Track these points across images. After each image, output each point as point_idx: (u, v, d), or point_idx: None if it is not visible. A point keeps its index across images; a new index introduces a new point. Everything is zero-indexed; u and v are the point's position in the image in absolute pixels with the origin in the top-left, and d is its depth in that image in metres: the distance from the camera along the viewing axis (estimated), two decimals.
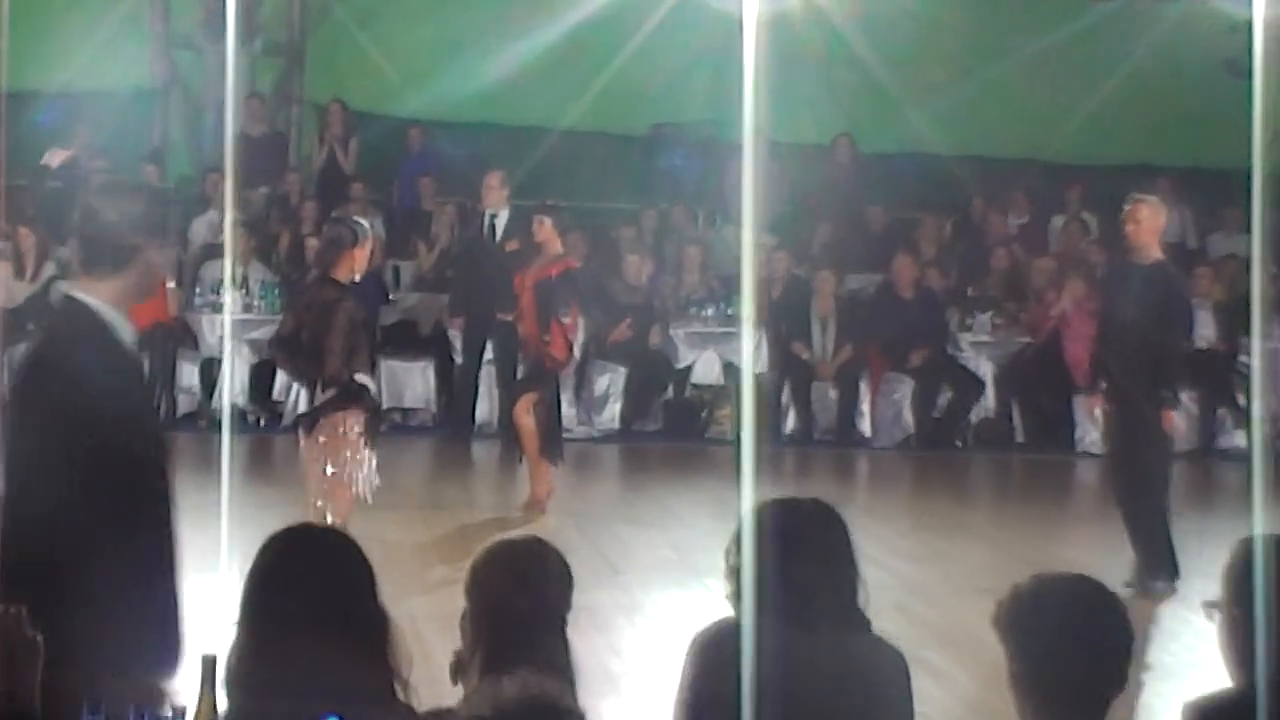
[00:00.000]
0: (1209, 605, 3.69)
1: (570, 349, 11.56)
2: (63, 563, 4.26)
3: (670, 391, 15.19)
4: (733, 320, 14.88)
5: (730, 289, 15.22)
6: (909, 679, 3.94)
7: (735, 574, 3.85)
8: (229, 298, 14.21)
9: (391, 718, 3.51)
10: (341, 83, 16.76)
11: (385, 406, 13.23)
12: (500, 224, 13.71)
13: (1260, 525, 5.26)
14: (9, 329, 14.39)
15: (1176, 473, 10.15)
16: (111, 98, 16.29)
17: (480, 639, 3.84)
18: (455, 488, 12.80)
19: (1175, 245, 14.72)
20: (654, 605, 9.01)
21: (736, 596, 3.86)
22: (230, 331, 14.20)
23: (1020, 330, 15.35)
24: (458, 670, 3.90)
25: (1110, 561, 9.27)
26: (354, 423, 8.13)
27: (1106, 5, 16.85)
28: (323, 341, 8.07)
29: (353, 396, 8.13)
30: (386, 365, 14.35)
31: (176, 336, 14.53)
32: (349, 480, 8.15)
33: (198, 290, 14.84)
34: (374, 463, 8.22)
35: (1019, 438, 15.07)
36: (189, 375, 14.53)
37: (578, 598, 3.97)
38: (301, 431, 8.34)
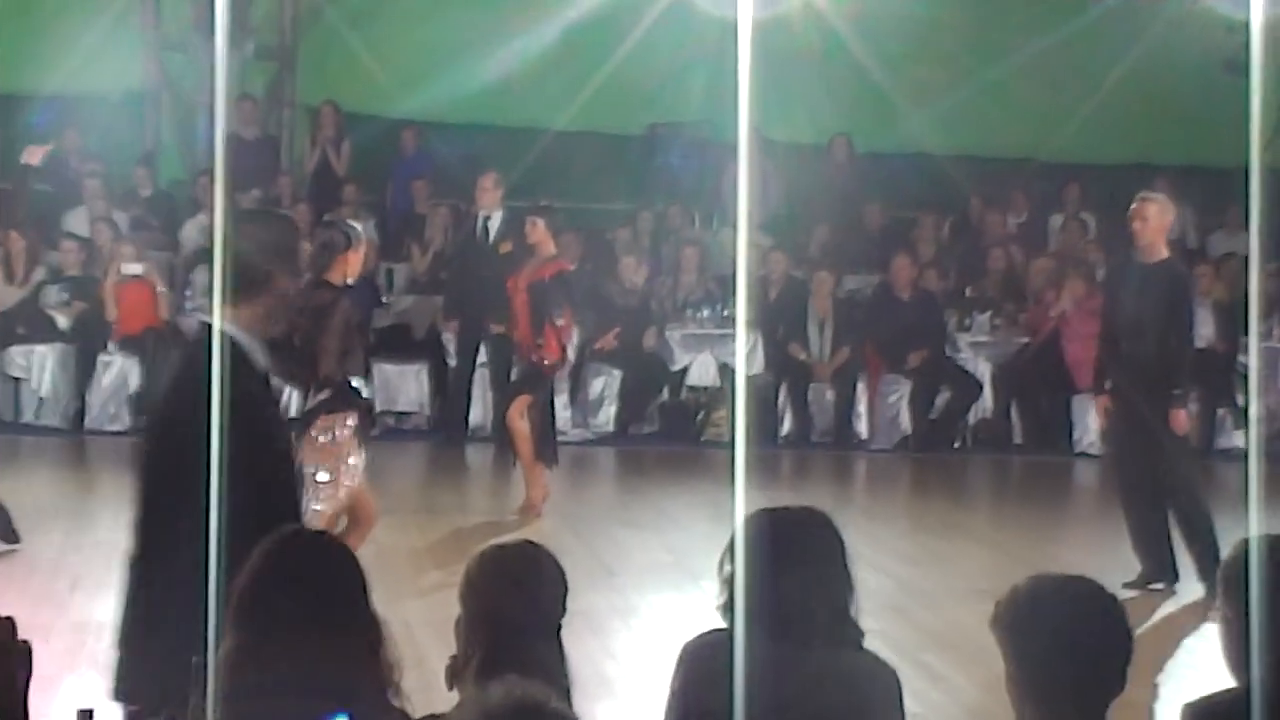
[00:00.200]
0: (1209, 606, 3.65)
1: (564, 351, 11.50)
2: (197, 580, 4.34)
3: (666, 394, 15.15)
4: (729, 322, 14.84)
5: (726, 290, 15.18)
6: (901, 696, 3.88)
7: (728, 584, 3.80)
8: (219, 302, 14.13)
9: None
10: (334, 85, 16.72)
11: (379, 410, 13.18)
12: (494, 226, 13.66)
13: (1257, 526, 5.21)
14: None
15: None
16: (103, 100, 16.26)
17: (474, 645, 3.82)
18: (449, 492, 12.75)
19: (1175, 244, 14.67)
20: (649, 608, 8.96)
21: (727, 607, 3.82)
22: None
23: (1019, 331, 15.32)
24: (453, 676, 3.88)
25: (1109, 563, 9.22)
26: (347, 425, 8.09)
27: (1105, 4, 16.81)
28: (317, 343, 8.03)
29: (347, 398, 8.09)
30: (380, 369, 14.30)
31: (168, 341, 14.46)
32: (342, 482, 8.11)
33: (189, 294, 14.79)
34: (360, 466, 8.18)
35: (1017, 439, 15.04)
36: None
37: (573, 601, 3.93)
38: (294, 434, 8.28)
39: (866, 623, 3.88)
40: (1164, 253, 9.57)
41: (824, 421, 15.01)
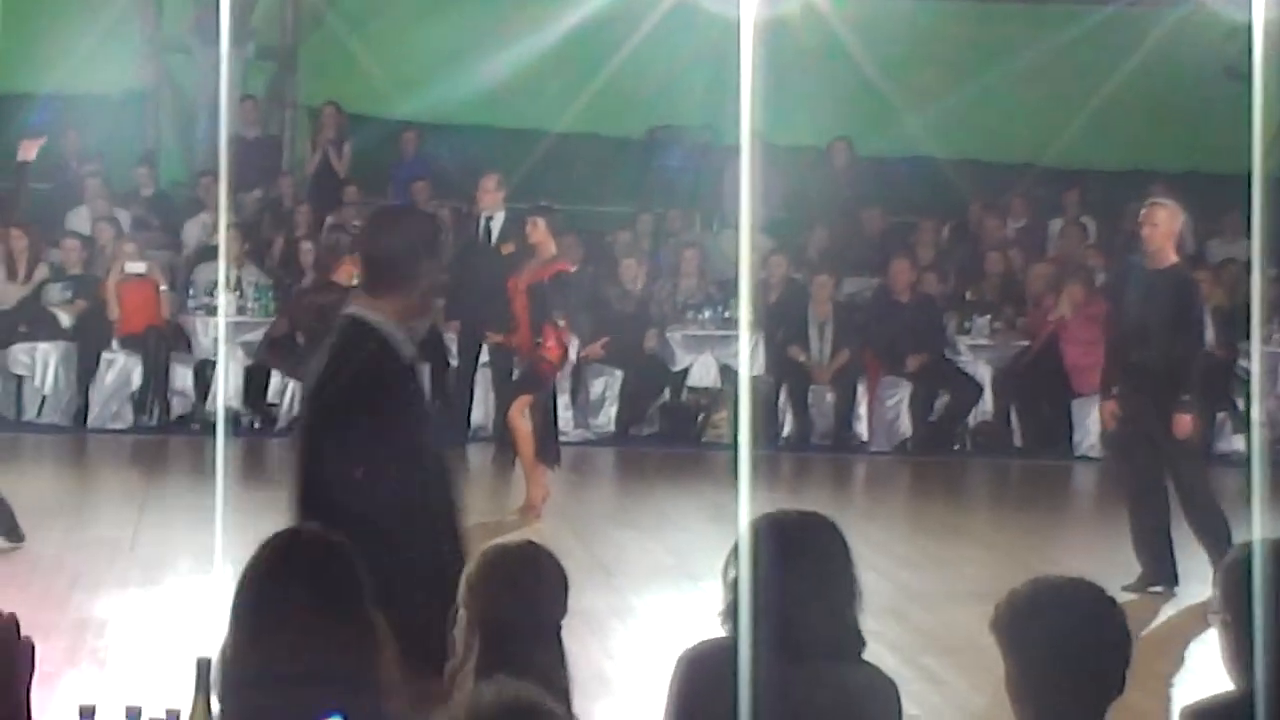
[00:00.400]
0: (1211, 609, 3.67)
1: (565, 352, 11.50)
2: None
3: (667, 395, 15.16)
4: (729, 323, 14.84)
5: (727, 292, 15.18)
6: (900, 711, 3.87)
7: (732, 589, 3.78)
8: (223, 300, 14.17)
9: None
10: (335, 86, 16.73)
11: None
12: (496, 227, 13.65)
13: (1259, 530, 5.22)
14: (2, 331, 14.37)
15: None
16: (104, 101, 16.27)
17: (473, 646, 3.81)
18: None
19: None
20: (649, 610, 8.97)
21: (729, 615, 3.79)
22: (224, 334, 14.16)
23: (1018, 334, 15.32)
24: (452, 677, 3.87)
25: (1108, 566, 9.22)
26: None
27: (1105, 9, 16.83)
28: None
29: None
30: None
31: (169, 339, 14.49)
32: None
33: (191, 293, 14.80)
34: None
35: (1017, 442, 15.03)
36: (183, 378, 14.49)
37: (573, 602, 3.93)
38: None
39: (866, 625, 3.87)
40: (1173, 258, 9.58)
41: (824, 424, 15.01)
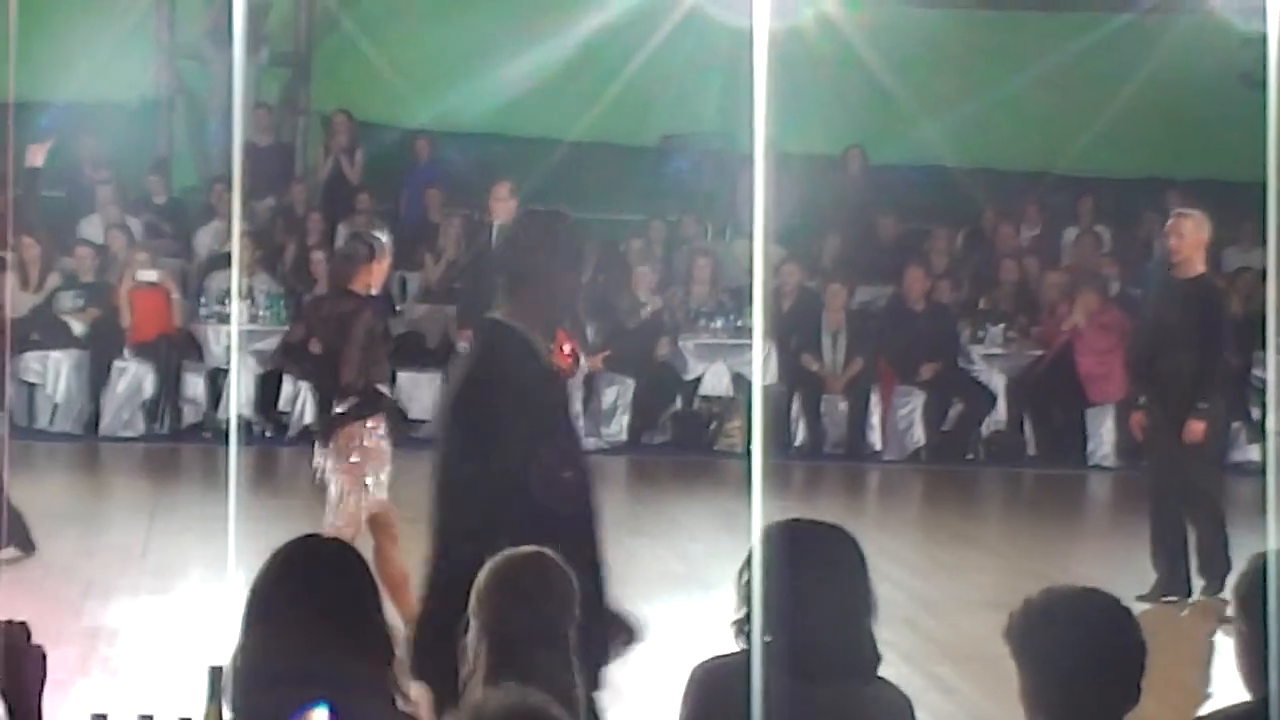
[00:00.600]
0: (1225, 619, 3.65)
1: (576, 359, 11.46)
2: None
3: (679, 403, 15.14)
4: (742, 332, 14.82)
5: (740, 301, 15.17)
6: None
7: (745, 600, 3.74)
8: (235, 308, 14.17)
9: None
10: (347, 93, 16.74)
11: None
12: None
13: (1274, 540, 5.19)
14: (15, 339, 14.38)
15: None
16: (117, 108, 16.29)
17: (482, 655, 3.80)
18: None
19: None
20: (661, 618, 8.93)
21: (742, 627, 3.76)
22: (236, 342, 14.16)
23: (1032, 343, 15.29)
24: (464, 685, 3.86)
25: (1122, 575, 9.20)
26: (374, 432, 8.05)
27: (1120, 17, 16.79)
28: (340, 353, 8.03)
29: (372, 406, 8.07)
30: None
31: (181, 347, 14.50)
32: (365, 490, 8.04)
33: (203, 301, 14.80)
34: (387, 478, 8.10)
35: (1030, 451, 15.00)
36: (195, 386, 14.50)
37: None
38: (318, 442, 8.24)
39: (879, 634, 3.83)
40: (1200, 268, 9.60)
41: (837, 433, 14.99)
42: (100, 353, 14.36)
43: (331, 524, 7.90)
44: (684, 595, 9.38)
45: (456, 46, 16.82)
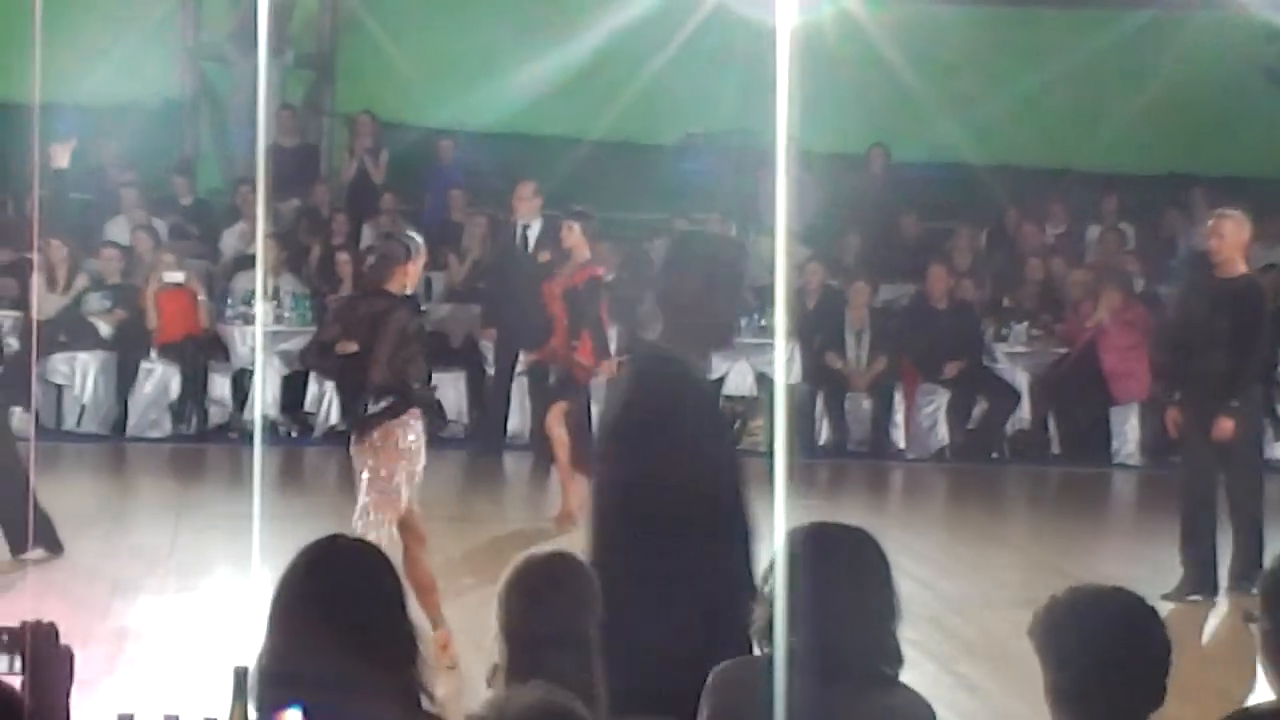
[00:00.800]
0: (1249, 617, 3.63)
1: (596, 362, 11.47)
2: (653, 574, 4.61)
3: None
4: (765, 331, 14.80)
5: (763, 300, 15.14)
6: None
7: (768, 604, 3.75)
8: (260, 309, 14.21)
9: None
10: (371, 94, 16.77)
11: None
12: (533, 235, 13.68)
13: None
14: (42, 341, 14.43)
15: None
16: (142, 110, 16.34)
17: (505, 655, 3.82)
18: (486, 500, 12.77)
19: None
20: None
21: (763, 632, 3.75)
22: (261, 343, 14.20)
23: (1056, 341, 15.26)
24: (491, 685, 3.88)
25: (1147, 574, 9.18)
26: (409, 431, 8.02)
27: (1143, 13, 16.76)
28: (372, 352, 8.02)
29: (406, 405, 8.05)
30: None
31: (207, 348, 14.55)
32: (398, 489, 8.01)
33: (229, 302, 14.85)
34: (416, 477, 8.07)
35: (1055, 449, 14.98)
36: (220, 387, 14.54)
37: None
38: (353, 440, 8.20)
39: (902, 633, 3.82)
40: (1241, 268, 9.60)
41: (861, 431, 14.98)
42: (127, 354, 14.41)
43: (363, 525, 7.87)
44: None
45: (479, 47, 16.85)
